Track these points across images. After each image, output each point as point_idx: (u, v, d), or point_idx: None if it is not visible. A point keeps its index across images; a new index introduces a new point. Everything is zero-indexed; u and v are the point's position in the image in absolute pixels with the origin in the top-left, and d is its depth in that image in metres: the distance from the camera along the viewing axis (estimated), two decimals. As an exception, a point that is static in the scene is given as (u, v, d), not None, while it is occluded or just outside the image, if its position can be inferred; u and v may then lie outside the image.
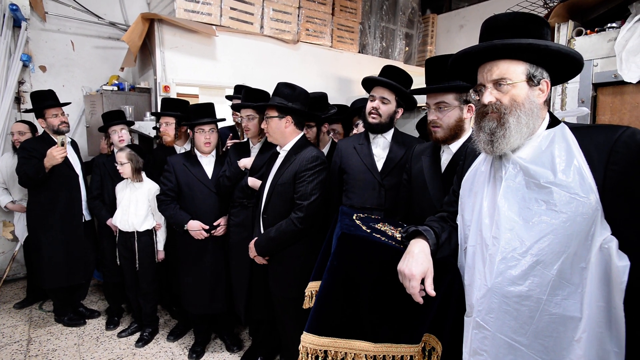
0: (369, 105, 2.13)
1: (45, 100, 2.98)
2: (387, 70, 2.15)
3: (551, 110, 2.16)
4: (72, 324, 3.17)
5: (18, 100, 4.04)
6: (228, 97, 3.39)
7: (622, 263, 0.93)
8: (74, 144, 3.27)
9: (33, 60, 4.14)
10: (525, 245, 1.01)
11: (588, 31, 2.06)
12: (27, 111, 3.23)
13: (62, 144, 2.80)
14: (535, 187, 1.03)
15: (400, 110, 2.15)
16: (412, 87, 2.18)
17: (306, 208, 2.02)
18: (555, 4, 2.27)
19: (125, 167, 2.78)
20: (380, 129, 2.14)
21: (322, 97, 2.84)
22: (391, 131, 2.19)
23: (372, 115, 2.11)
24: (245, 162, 2.50)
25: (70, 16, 4.33)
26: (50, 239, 2.97)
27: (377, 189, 2.12)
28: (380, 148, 2.18)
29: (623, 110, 1.95)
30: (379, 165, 2.15)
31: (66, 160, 2.99)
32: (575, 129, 1.07)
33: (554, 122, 1.11)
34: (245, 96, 2.54)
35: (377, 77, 2.11)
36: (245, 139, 2.75)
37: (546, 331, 0.99)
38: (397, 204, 1.98)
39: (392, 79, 2.09)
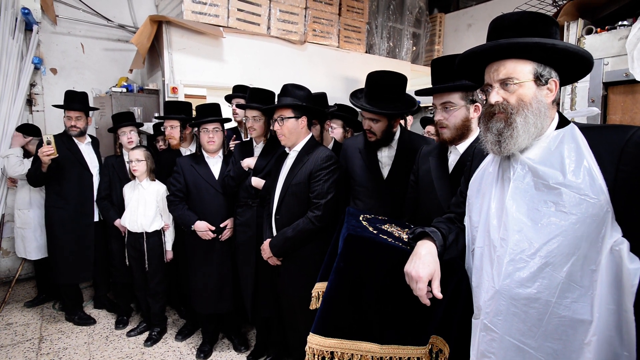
0: (364, 125, 2.05)
1: (67, 101, 3.06)
2: (375, 85, 1.96)
3: (561, 110, 2.13)
4: (82, 323, 3.21)
5: (30, 102, 4.11)
6: (227, 98, 3.37)
7: (633, 266, 0.92)
8: (95, 143, 3.31)
9: (44, 63, 4.21)
10: (533, 247, 1.00)
11: (598, 29, 2.03)
12: (56, 106, 3.27)
13: (48, 143, 2.73)
14: (544, 188, 1.02)
15: (398, 120, 2.05)
16: (419, 87, 2.16)
17: (323, 206, 2.03)
18: (564, 2, 2.24)
19: (140, 165, 2.81)
20: (382, 143, 2.07)
21: (322, 96, 2.86)
22: (396, 137, 2.10)
23: (369, 135, 2.05)
24: (249, 162, 2.51)
25: (80, 19, 4.39)
26: (62, 236, 3.04)
27: (383, 198, 2.06)
28: (386, 155, 2.11)
29: (635, 110, 1.93)
30: (385, 172, 2.08)
31: (81, 159, 3.08)
32: (585, 129, 1.05)
33: (563, 122, 1.09)
34: (251, 96, 2.54)
35: (361, 107, 1.97)
36: (248, 139, 2.76)
37: (555, 334, 0.97)
38: (404, 206, 1.96)
39: (382, 93, 1.94)
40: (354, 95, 2.12)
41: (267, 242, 2.20)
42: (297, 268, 2.15)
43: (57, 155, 2.76)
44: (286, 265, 2.20)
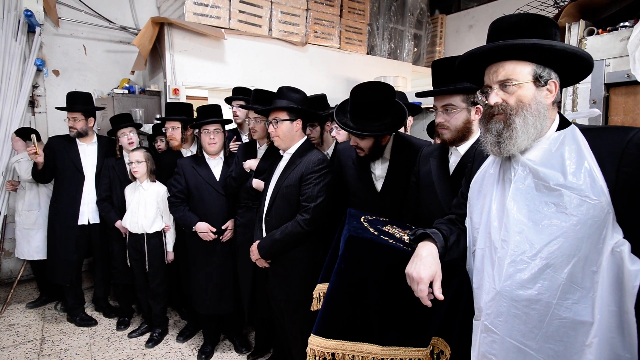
0: (351, 141, 1.97)
1: (67, 103, 3.08)
2: (358, 103, 1.83)
3: (562, 111, 2.13)
4: (84, 324, 3.22)
5: (32, 104, 4.13)
6: (227, 100, 3.38)
7: (634, 267, 0.92)
8: (103, 144, 3.28)
9: (47, 65, 4.23)
10: (534, 248, 1.00)
11: (600, 30, 2.03)
12: (57, 108, 3.33)
13: (34, 143, 2.85)
14: (545, 190, 1.02)
15: (387, 136, 1.96)
16: (420, 89, 2.15)
17: (312, 210, 2.01)
18: (565, 3, 2.24)
19: (141, 166, 2.82)
20: (371, 158, 1.97)
21: (321, 97, 2.85)
22: (389, 146, 1.99)
23: (358, 151, 1.96)
24: (251, 164, 2.51)
25: (82, 21, 4.42)
26: (49, 233, 3.14)
27: (377, 211, 1.93)
28: (379, 167, 2.02)
29: (636, 111, 1.92)
30: (379, 186, 2.00)
31: (75, 160, 3.10)
32: (586, 130, 1.05)
33: (564, 123, 1.09)
34: (255, 98, 2.54)
35: (344, 127, 1.86)
36: (248, 140, 2.76)
37: (556, 335, 0.97)
38: (404, 208, 1.94)
39: (366, 110, 1.81)
40: (341, 108, 1.99)
41: (255, 244, 2.19)
42: (285, 271, 2.13)
43: (40, 154, 2.93)
44: (274, 267, 2.18)
